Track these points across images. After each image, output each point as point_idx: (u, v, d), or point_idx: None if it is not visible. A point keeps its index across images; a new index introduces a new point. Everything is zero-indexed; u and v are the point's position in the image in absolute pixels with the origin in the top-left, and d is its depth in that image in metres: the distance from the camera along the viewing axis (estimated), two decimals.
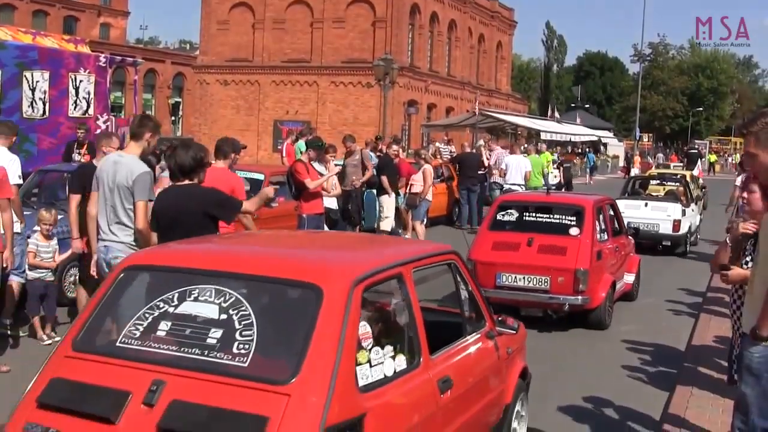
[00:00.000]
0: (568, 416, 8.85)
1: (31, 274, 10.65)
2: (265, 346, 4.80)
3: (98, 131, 18.35)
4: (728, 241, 7.31)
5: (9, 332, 10.88)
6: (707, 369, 10.34)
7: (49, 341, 10.55)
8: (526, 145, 32.71)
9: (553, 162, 34.77)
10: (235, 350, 4.75)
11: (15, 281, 10.80)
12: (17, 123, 16.95)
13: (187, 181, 7.98)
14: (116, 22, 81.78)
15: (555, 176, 34.05)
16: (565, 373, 10.55)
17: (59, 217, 11.15)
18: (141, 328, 5.08)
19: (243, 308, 4.93)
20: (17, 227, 10.27)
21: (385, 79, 39.70)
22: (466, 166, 25.07)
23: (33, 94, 18.10)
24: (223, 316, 4.93)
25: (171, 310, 5.10)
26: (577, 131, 66.08)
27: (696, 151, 60.02)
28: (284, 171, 16.73)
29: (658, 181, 26.29)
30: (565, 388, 9.72)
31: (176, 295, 5.15)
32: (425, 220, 21.21)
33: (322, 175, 14.46)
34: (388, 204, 19.25)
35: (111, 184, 8.67)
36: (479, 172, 25.30)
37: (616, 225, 14.73)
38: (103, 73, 20.07)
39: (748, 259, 6.88)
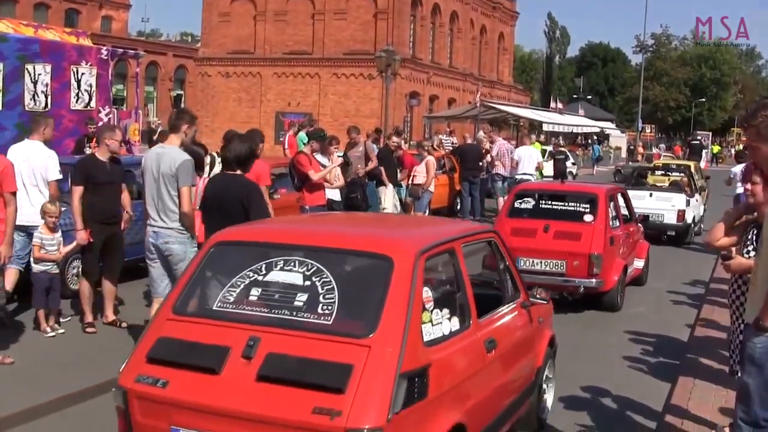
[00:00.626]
0: (569, 407, 8.87)
1: (37, 267, 10.62)
2: (345, 308, 5.58)
3: (100, 124, 18.36)
4: (723, 220, 7.26)
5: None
6: (709, 360, 10.36)
7: (53, 333, 10.56)
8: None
9: (543, 153, 34.56)
10: (319, 311, 5.56)
11: (12, 268, 10.88)
12: (20, 116, 16.98)
13: (238, 171, 8.98)
14: (118, 14, 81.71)
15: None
16: (566, 363, 10.55)
17: (62, 209, 11.17)
18: (234, 294, 5.88)
19: (325, 276, 5.72)
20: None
21: (387, 71, 39.69)
22: (467, 158, 25.06)
23: (35, 87, 18.07)
24: (307, 283, 5.73)
25: (260, 278, 5.91)
26: (580, 122, 66.00)
27: (698, 142, 60.14)
28: (286, 163, 16.74)
29: (662, 172, 26.65)
30: (566, 378, 9.72)
31: (264, 265, 5.96)
32: (427, 211, 21.23)
33: (324, 166, 14.46)
34: (385, 195, 19.24)
35: (156, 174, 9.32)
36: (480, 164, 25.26)
37: (627, 213, 15.37)
38: (105, 66, 20.03)
39: (750, 248, 6.88)
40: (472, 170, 24.65)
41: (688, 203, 21.94)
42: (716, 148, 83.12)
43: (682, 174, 24.98)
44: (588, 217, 13.63)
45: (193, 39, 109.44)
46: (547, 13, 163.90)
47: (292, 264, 5.90)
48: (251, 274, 5.95)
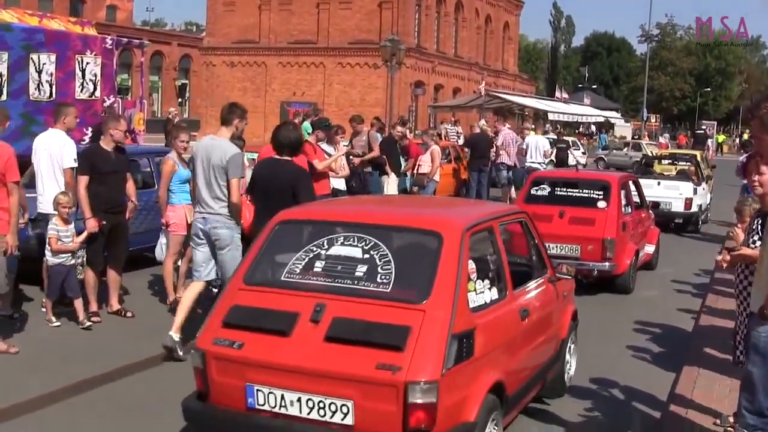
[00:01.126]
0: (574, 395, 8.86)
1: (52, 260, 10.55)
2: (401, 277, 6.27)
3: (102, 113, 18.36)
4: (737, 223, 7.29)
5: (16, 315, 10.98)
6: (714, 349, 10.35)
7: (58, 323, 10.55)
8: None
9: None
10: (378, 280, 6.27)
11: None
12: (24, 105, 16.99)
13: (287, 157, 9.71)
14: (122, 4, 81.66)
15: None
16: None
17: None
18: (300, 266, 6.61)
19: (382, 250, 6.44)
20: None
21: (392, 60, 39.66)
22: (478, 147, 25.11)
23: (40, 77, 18.05)
24: (366, 256, 6.45)
25: (323, 252, 6.65)
26: (585, 112, 65.89)
27: (703, 131, 60.27)
28: None
29: (669, 161, 27.14)
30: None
31: (326, 240, 6.71)
32: None
33: (329, 155, 14.46)
34: (388, 185, 19.17)
35: (206, 164, 9.71)
36: (488, 154, 25.33)
37: (638, 200, 16.05)
38: (109, 56, 20.02)
39: (755, 238, 6.87)
40: (482, 159, 24.75)
41: (695, 191, 22.37)
42: (721, 138, 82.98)
43: (688, 163, 25.42)
44: (601, 204, 14.21)
45: (198, 28, 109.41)
46: (552, 2, 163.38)
47: (352, 239, 6.63)
48: (315, 249, 6.70)
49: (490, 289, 6.88)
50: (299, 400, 5.97)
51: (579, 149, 45.87)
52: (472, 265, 6.66)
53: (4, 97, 17.19)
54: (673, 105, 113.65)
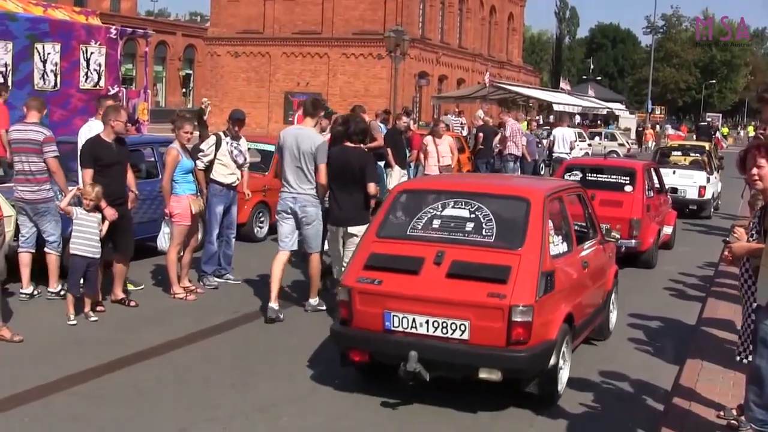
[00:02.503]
0: (577, 388, 8.85)
1: (74, 251, 10.48)
2: (500, 231, 8.26)
3: (103, 102, 18.36)
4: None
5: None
6: (718, 342, 10.35)
7: (74, 321, 10.35)
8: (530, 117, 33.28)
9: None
10: (483, 233, 8.26)
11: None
12: (29, 95, 16.96)
13: (355, 144, 11.16)
14: None
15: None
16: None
17: (71, 188, 11.12)
18: (421, 223, 8.56)
19: (484, 211, 8.42)
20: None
21: (396, 51, 39.61)
22: (489, 138, 25.19)
23: (44, 66, 18.09)
24: (473, 216, 8.44)
25: (438, 213, 8.61)
26: (589, 103, 65.80)
27: (706, 123, 60.45)
28: None
29: (680, 152, 28.79)
30: (573, 361, 9.72)
31: (440, 204, 8.69)
32: None
33: None
34: (391, 177, 19.03)
35: (296, 151, 11.14)
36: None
37: (658, 185, 17.61)
38: (114, 45, 20.03)
39: (753, 232, 6.84)
40: (492, 150, 24.97)
41: (708, 180, 24.00)
42: (725, 130, 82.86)
43: (700, 154, 27.06)
44: (628, 188, 15.99)
45: (203, 18, 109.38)
46: None
47: (461, 204, 8.62)
48: (431, 210, 8.66)
49: (561, 243, 8.94)
50: (427, 321, 7.80)
51: (585, 140, 45.88)
52: (550, 223, 8.68)
53: (9, 86, 17.18)
54: (678, 97, 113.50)
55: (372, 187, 10.87)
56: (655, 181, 17.34)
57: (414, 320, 7.82)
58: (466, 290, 7.73)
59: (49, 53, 18.08)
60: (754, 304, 6.60)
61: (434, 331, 7.76)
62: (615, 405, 8.50)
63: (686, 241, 19.47)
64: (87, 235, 10.48)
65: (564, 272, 8.49)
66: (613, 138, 50.67)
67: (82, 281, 10.57)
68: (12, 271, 10.61)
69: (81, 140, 11.86)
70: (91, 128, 12.01)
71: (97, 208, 10.56)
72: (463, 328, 7.68)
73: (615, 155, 41.14)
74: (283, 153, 11.30)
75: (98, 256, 10.62)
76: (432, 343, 7.73)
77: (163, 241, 11.93)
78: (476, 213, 8.42)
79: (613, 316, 11.05)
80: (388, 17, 54.69)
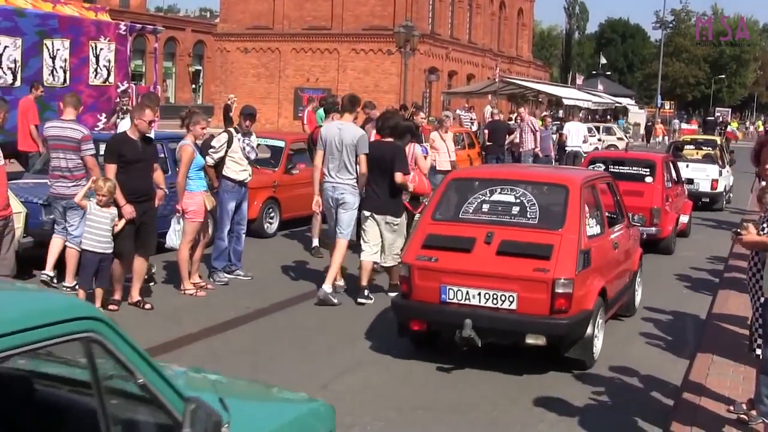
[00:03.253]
0: (586, 382, 8.88)
1: (86, 246, 10.50)
2: (543, 214, 9.38)
3: (117, 99, 18.40)
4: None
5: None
6: (728, 336, 10.33)
7: None
8: (546, 112, 33.40)
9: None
10: (528, 216, 9.36)
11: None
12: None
13: (389, 138, 12.11)
14: None
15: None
16: None
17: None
18: (472, 207, 9.68)
19: (528, 197, 9.51)
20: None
21: (406, 46, 39.60)
22: (496, 135, 25.11)
23: (54, 63, 18.14)
24: (518, 200, 9.52)
25: (487, 198, 9.73)
26: (599, 98, 65.69)
27: (713, 118, 60.72)
28: (305, 138, 16.74)
29: (693, 146, 29.64)
30: None
31: (488, 191, 9.81)
32: None
33: None
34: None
35: (339, 144, 12.04)
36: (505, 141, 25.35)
37: (675, 177, 18.67)
38: (123, 41, 20.08)
39: (764, 225, 6.84)
40: (501, 147, 24.91)
41: (720, 173, 24.74)
42: (735, 124, 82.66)
43: (712, 148, 28.05)
44: (648, 179, 17.14)
45: (212, 14, 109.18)
46: None
47: (507, 190, 9.70)
48: (480, 196, 9.77)
49: (595, 225, 10.08)
50: (479, 294, 8.83)
51: (594, 135, 45.87)
52: (586, 207, 9.72)
53: (18, 82, 17.24)
54: (687, 92, 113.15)
55: (399, 176, 11.71)
56: (673, 173, 18.43)
57: (467, 293, 8.88)
58: (514, 266, 8.81)
59: (58, 49, 18.13)
60: (762, 298, 6.60)
61: (485, 302, 8.83)
62: (625, 399, 8.49)
63: (701, 230, 20.13)
64: (99, 231, 10.45)
65: (598, 251, 9.56)
66: (610, 132, 50.70)
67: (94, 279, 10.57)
68: (21, 267, 10.63)
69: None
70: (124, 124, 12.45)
71: (112, 204, 10.56)
72: (511, 299, 8.77)
73: (614, 149, 41.77)
74: (326, 146, 12.19)
75: (110, 251, 10.59)
76: (484, 313, 8.76)
77: (173, 237, 11.88)
78: (521, 198, 9.54)
79: (638, 295, 12.12)
80: (398, 13, 54.61)
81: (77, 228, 11.28)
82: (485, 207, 9.63)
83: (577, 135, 27.45)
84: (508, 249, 8.90)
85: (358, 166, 12.08)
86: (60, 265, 11.56)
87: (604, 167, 17.26)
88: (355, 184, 12.15)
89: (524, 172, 11.42)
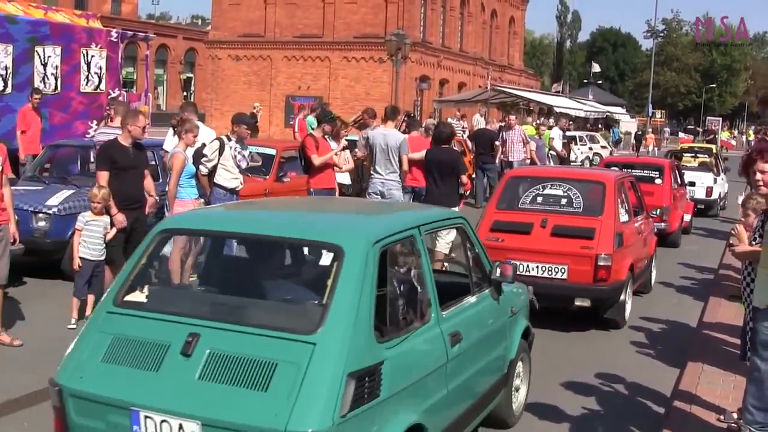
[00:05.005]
0: (577, 391, 8.87)
1: (82, 254, 10.47)
2: (585, 205, 11.74)
3: (107, 106, 18.35)
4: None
5: None
6: (718, 345, 10.34)
7: (75, 326, 10.23)
8: (538, 121, 33.37)
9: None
10: (574, 206, 11.79)
11: None
12: (29, 98, 16.94)
13: (445, 146, 13.67)
14: None
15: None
16: (575, 349, 10.57)
17: (71, 192, 11.09)
18: (528, 199, 12.13)
19: (574, 191, 11.94)
20: None
21: (398, 55, 39.59)
22: (481, 143, 24.79)
23: (45, 70, 18.09)
24: (566, 194, 11.95)
25: (540, 192, 12.17)
26: (590, 107, 65.75)
27: (692, 127, 61.28)
28: (296, 146, 16.71)
29: (690, 154, 30.70)
30: (574, 363, 9.73)
31: (541, 187, 12.22)
32: None
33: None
34: None
35: (384, 147, 14.56)
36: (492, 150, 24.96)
37: (679, 180, 20.70)
38: (114, 48, 20.04)
39: (756, 235, 6.85)
40: (482, 155, 24.30)
41: (715, 181, 25.91)
42: (725, 134, 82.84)
43: (707, 156, 29.36)
44: (658, 181, 19.13)
45: (204, 22, 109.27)
46: None
47: (556, 186, 12.23)
48: (534, 190, 12.27)
49: (625, 214, 12.21)
50: (537, 266, 11.22)
51: (585, 144, 45.99)
52: (618, 200, 11.86)
53: (9, 89, 17.20)
54: (678, 101, 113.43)
55: (464, 178, 13.85)
56: (677, 176, 20.39)
57: (528, 266, 11.19)
58: (565, 245, 11.18)
59: (49, 56, 18.09)
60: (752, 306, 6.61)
61: (542, 273, 11.21)
62: (616, 408, 8.50)
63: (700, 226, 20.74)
64: (92, 239, 10.46)
65: (628, 234, 11.91)
66: (594, 141, 50.85)
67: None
68: (12, 276, 10.58)
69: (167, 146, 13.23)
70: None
71: (105, 211, 10.55)
72: (563, 270, 11.20)
73: (598, 158, 42.00)
74: (374, 149, 14.66)
75: (103, 258, 10.58)
76: (541, 282, 10.66)
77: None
78: (568, 192, 12.04)
79: (654, 275, 14.55)
80: (389, 21, 54.66)
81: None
82: (539, 199, 12.14)
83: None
84: (559, 231, 11.33)
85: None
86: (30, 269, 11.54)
87: (618, 169, 18.37)
88: (399, 180, 14.59)
89: (570, 172, 15.08)
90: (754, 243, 6.82)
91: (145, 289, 5.95)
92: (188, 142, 11.84)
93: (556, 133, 29.44)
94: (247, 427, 4.73)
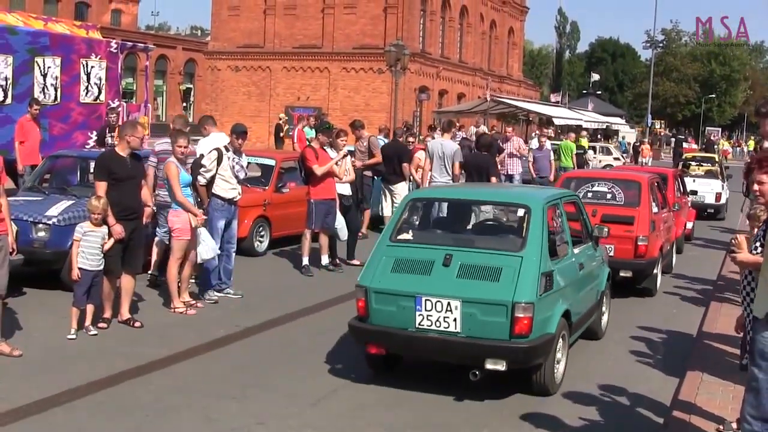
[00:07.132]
0: (576, 401, 8.86)
1: (81, 264, 10.41)
2: (626, 198, 14.92)
3: (107, 117, 18.37)
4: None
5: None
6: (718, 355, 10.34)
7: (74, 336, 10.28)
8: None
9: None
10: (616, 199, 15.03)
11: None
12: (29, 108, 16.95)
13: (484, 152, 17.12)
14: (127, 8, 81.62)
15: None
16: (574, 359, 10.56)
17: (70, 203, 11.05)
18: (582, 193, 14.77)
19: (616, 188, 15.15)
20: None
21: (397, 65, 39.66)
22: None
23: (45, 80, 18.12)
24: (610, 191, 15.18)
25: (590, 189, 15.30)
26: (589, 117, 65.81)
27: (674, 137, 61.93)
28: (296, 157, 16.72)
29: (696, 163, 32.30)
30: (573, 373, 9.72)
31: (590, 185, 15.44)
32: None
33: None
34: (401, 191, 18.56)
35: (441, 155, 16.97)
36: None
37: (682, 189, 22.12)
38: (114, 59, 20.08)
39: (757, 244, 6.85)
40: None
41: (722, 187, 27.99)
42: (724, 144, 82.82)
43: (712, 164, 31.05)
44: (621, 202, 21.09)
45: (203, 33, 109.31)
46: (558, 8, 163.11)
47: (603, 184, 15.28)
48: (586, 187, 15.25)
49: (655, 207, 14.88)
50: None
51: (586, 153, 46.05)
52: (651, 195, 14.69)
53: (9, 100, 17.23)
54: (677, 111, 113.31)
55: (494, 179, 16.37)
56: (681, 184, 21.50)
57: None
58: (612, 229, 12.38)
59: (49, 67, 18.12)
60: (752, 315, 6.61)
61: None
62: (615, 418, 8.49)
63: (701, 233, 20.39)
64: (91, 249, 10.45)
65: (658, 222, 14.84)
66: (608, 152, 50.93)
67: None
68: (12, 286, 10.58)
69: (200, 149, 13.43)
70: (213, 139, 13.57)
71: (103, 222, 10.56)
72: (610, 249, 13.47)
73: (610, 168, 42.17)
74: (432, 157, 17.10)
75: (101, 268, 10.56)
76: None
77: (203, 250, 11.93)
78: (612, 189, 15.11)
79: (674, 258, 17.39)
80: (389, 32, 54.78)
81: (165, 228, 12.56)
82: (589, 194, 15.04)
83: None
84: (607, 218, 13.62)
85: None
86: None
87: None
88: (451, 183, 16.62)
89: (613, 173, 18.00)
90: (754, 252, 6.82)
91: (409, 233, 9.78)
92: (175, 153, 11.81)
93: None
94: (489, 300, 8.40)
